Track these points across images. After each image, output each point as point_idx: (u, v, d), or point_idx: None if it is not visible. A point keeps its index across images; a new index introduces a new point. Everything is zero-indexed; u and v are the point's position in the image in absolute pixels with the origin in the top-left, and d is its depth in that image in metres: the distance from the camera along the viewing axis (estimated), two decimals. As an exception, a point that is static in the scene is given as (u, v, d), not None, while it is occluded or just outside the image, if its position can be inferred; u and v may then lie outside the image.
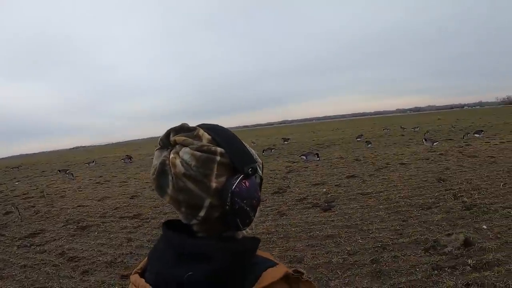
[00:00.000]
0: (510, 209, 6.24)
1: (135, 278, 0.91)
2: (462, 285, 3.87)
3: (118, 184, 13.42)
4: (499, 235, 5.14)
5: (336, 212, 7.10)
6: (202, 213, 0.83)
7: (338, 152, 17.87)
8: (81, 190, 13.04)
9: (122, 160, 24.04)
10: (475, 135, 19.02)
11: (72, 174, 17.80)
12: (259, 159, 0.92)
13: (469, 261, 4.38)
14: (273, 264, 0.84)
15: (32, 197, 12.76)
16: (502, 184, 8.18)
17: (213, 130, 0.88)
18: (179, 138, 0.83)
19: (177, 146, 0.84)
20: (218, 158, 0.82)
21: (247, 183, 0.84)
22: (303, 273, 0.86)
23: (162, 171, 0.83)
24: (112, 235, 6.59)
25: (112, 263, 5.24)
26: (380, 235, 5.59)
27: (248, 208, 0.84)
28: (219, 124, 0.93)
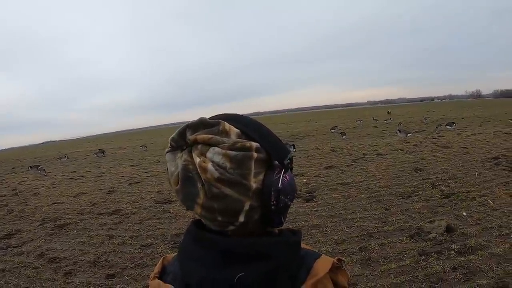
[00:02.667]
0: (486, 197, 6.62)
1: (157, 284, 0.85)
2: (449, 269, 4.12)
3: (93, 179, 13.16)
4: (478, 221, 5.47)
5: (319, 202, 7.30)
6: (241, 218, 0.77)
7: (314, 143, 18.18)
8: (55, 187, 12.69)
9: (95, 154, 23.59)
10: (447, 127, 19.73)
11: (44, 170, 17.27)
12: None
13: (453, 246, 4.67)
14: (318, 255, 0.83)
15: (4, 195, 12.29)
16: (477, 173, 8.63)
17: (239, 121, 0.81)
18: (203, 136, 0.75)
19: (199, 146, 0.76)
20: (255, 154, 0.75)
21: (287, 177, 0.79)
22: (344, 261, 0.85)
23: (187, 178, 0.75)
24: (92, 233, 6.49)
25: (96, 263, 5.16)
26: (365, 224, 5.82)
27: (290, 203, 0.81)
28: (237, 113, 0.85)
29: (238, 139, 0.76)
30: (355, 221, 6.00)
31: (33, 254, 5.89)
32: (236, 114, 0.84)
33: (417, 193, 7.34)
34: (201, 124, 0.77)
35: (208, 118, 0.80)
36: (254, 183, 0.75)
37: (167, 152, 0.82)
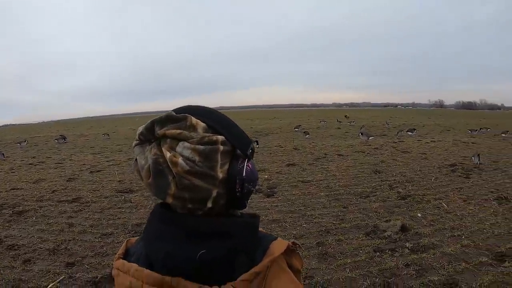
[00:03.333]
0: (441, 200, 6.98)
1: (122, 263, 0.90)
2: (403, 265, 4.33)
3: (53, 166, 12.68)
4: (432, 223, 5.76)
5: (279, 198, 7.41)
6: (209, 204, 0.83)
7: (277, 141, 18.34)
8: (13, 172, 12.11)
9: (56, 140, 22.71)
10: (408, 132, 20.47)
11: (3, 154, 16.44)
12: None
13: (407, 244, 4.90)
14: (274, 238, 0.89)
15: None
16: (433, 178, 9.05)
17: (205, 115, 0.86)
18: (172, 132, 0.81)
19: (168, 140, 0.81)
20: (221, 147, 0.82)
21: (250, 166, 0.86)
22: (298, 245, 0.92)
23: (158, 171, 0.80)
24: (51, 220, 6.28)
25: (55, 250, 5.00)
26: (323, 220, 5.97)
27: (253, 189, 0.88)
28: (201, 105, 0.91)
29: (205, 134, 0.81)
30: (313, 217, 6.14)
31: (-10, 241, 5.64)
32: (200, 106, 0.90)
33: (375, 194, 7.61)
34: (168, 120, 0.82)
35: (174, 111, 0.85)
36: (220, 173, 0.82)
37: (135, 146, 0.87)
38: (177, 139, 0.80)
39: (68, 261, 4.66)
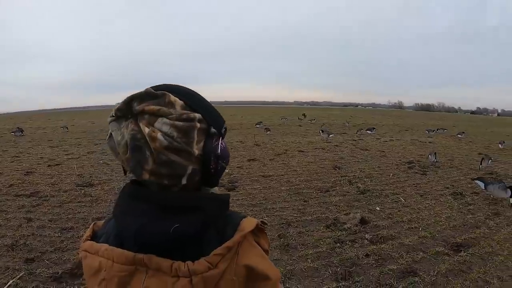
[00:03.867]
0: (398, 195, 7.25)
1: (90, 244, 0.92)
2: (363, 255, 4.47)
3: (9, 159, 12.06)
4: (390, 216, 5.98)
5: (241, 192, 7.41)
6: (184, 181, 0.85)
7: (238, 137, 18.36)
8: None
9: (13, 133, 21.61)
10: (368, 131, 21.03)
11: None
12: None
13: (367, 236, 5.06)
14: (244, 215, 0.93)
15: None
16: (391, 174, 9.38)
17: (183, 93, 0.88)
18: (152, 108, 0.81)
19: (146, 116, 0.82)
20: (198, 124, 0.84)
21: (223, 144, 0.91)
22: (267, 224, 0.96)
23: (136, 146, 0.81)
24: (9, 215, 5.98)
25: (14, 246, 4.77)
26: (284, 213, 6.03)
27: (226, 166, 0.93)
28: (178, 84, 0.93)
29: (184, 111, 0.84)
30: (275, 210, 6.19)
31: None
32: (177, 85, 0.91)
33: (335, 188, 7.78)
34: (147, 96, 0.83)
35: (152, 88, 0.86)
36: (196, 150, 0.84)
37: (110, 122, 0.86)
38: (156, 115, 0.81)
39: (28, 256, 4.47)
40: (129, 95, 0.85)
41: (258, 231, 0.92)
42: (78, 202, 6.76)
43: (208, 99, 0.94)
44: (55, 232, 5.24)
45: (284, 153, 13.06)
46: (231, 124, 28.73)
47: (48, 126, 29.57)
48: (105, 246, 0.88)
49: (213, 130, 0.89)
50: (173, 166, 0.82)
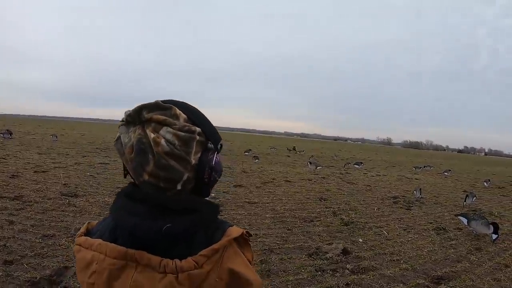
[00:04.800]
0: (382, 228, 7.29)
1: (84, 239, 0.98)
2: (343, 284, 4.48)
3: None
4: (372, 248, 6.01)
5: (225, 217, 7.38)
6: (179, 187, 0.93)
7: (226, 162, 18.34)
8: None
9: (1, 135, 21.35)
10: (355, 165, 21.23)
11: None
12: None
13: (348, 266, 5.06)
14: (232, 224, 1.00)
15: None
16: (376, 208, 9.45)
17: (187, 109, 0.98)
18: (158, 117, 0.91)
19: (152, 124, 0.91)
20: (197, 137, 0.93)
21: (217, 158, 1.00)
22: (251, 235, 1.02)
23: (141, 149, 0.90)
24: None
25: None
26: (267, 240, 6.02)
27: (218, 179, 1.03)
28: (185, 101, 1.03)
29: (186, 123, 0.93)
30: (258, 236, 6.18)
31: None
32: (183, 102, 1.01)
33: (319, 219, 7.80)
34: (156, 107, 0.94)
35: (161, 101, 0.96)
36: (193, 160, 0.94)
37: (120, 125, 0.96)
38: (162, 124, 0.91)
39: (7, 258, 4.42)
40: (139, 104, 0.95)
41: (243, 241, 0.98)
42: (62, 211, 6.70)
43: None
44: (36, 238, 5.19)
45: (271, 181, 13.08)
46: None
47: (37, 133, 29.44)
48: (98, 240, 0.94)
49: (210, 144, 0.98)
50: (171, 171, 0.91)
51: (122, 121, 0.96)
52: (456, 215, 8.15)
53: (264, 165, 19.05)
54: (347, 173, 18.13)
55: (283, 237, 6.29)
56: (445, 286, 4.58)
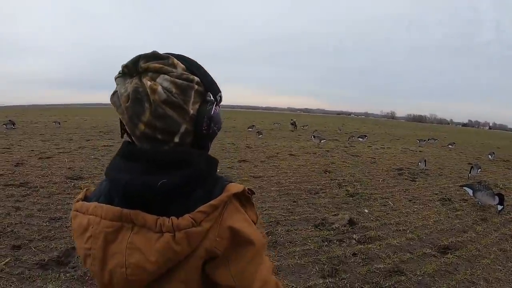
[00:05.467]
0: (387, 199, 7.30)
1: (80, 204, 0.95)
2: (350, 254, 4.51)
3: (0, 151, 12.01)
4: (378, 218, 6.02)
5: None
6: (176, 139, 0.91)
7: (230, 139, 18.33)
8: None
9: (4, 125, 21.37)
10: (359, 139, 21.16)
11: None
12: None
13: (354, 236, 5.09)
14: (232, 180, 0.97)
15: None
16: (381, 179, 9.44)
17: (185, 59, 0.95)
18: (155, 65, 0.88)
19: (149, 73, 0.88)
20: (195, 86, 0.91)
21: (217, 109, 0.96)
22: (254, 193, 0.99)
23: (137, 98, 0.87)
24: None
25: (1, 233, 4.73)
26: (273, 212, 6.05)
27: (218, 131, 0.99)
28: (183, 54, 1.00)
29: (184, 72, 0.91)
30: (264, 209, 6.20)
31: None
32: (182, 55, 0.98)
33: (324, 191, 7.82)
34: (153, 56, 0.90)
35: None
36: (191, 110, 0.91)
37: (117, 77, 0.93)
38: (159, 72, 0.88)
39: (15, 244, 4.44)
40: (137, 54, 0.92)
41: (245, 199, 0.95)
42: (68, 194, 6.72)
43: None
44: (43, 221, 5.22)
45: (275, 156, 13.07)
46: (224, 126, 28.73)
47: (40, 121, 29.36)
48: (94, 203, 0.92)
49: (209, 95, 0.97)
50: (168, 121, 0.88)
51: (119, 73, 0.93)
52: (461, 186, 8.13)
53: (268, 140, 19.03)
54: (351, 146, 18.06)
55: (289, 209, 6.31)
56: (451, 255, 4.60)
